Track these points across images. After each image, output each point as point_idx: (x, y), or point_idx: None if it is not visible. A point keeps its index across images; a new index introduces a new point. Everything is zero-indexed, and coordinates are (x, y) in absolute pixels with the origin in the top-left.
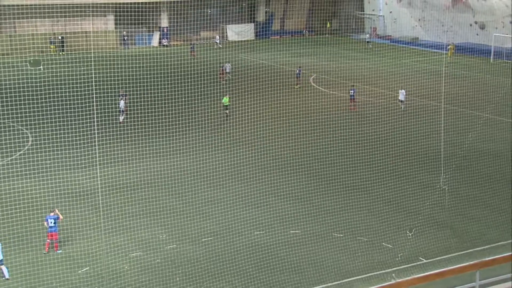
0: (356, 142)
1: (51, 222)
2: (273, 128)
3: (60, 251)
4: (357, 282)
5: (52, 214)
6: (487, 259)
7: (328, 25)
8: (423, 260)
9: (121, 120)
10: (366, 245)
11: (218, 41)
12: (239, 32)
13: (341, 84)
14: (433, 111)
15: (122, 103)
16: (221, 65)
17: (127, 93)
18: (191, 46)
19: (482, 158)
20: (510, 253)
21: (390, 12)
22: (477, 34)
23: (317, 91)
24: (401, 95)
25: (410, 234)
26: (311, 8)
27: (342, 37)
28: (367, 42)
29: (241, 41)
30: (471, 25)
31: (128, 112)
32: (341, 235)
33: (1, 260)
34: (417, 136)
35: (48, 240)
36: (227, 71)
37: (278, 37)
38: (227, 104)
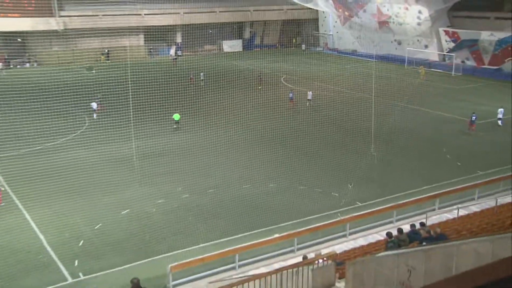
0: (313, 123)
1: None
2: (255, 112)
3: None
4: (314, 219)
5: None
6: (400, 202)
7: (294, 40)
8: (359, 204)
9: (94, 117)
10: (320, 194)
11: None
12: (231, 45)
13: (303, 82)
14: (366, 101)
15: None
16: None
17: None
18: (174, 58)
19: (399, 133)
20: (416, 198)
21: (337, 32)
22: (396, 48)
23: (286, 87)
24: (309, 95)
25: (350, 186)
26: (282, 29)
27: (304, 49)
28: (320, 51)
29: (233, 52)
30: (392, 42)
31: (148, 103)
32: (303, 187)
33: None
34: (355, 119)
35: None
36: (201, 78)
37: (259, 49)
38: (177, 120)
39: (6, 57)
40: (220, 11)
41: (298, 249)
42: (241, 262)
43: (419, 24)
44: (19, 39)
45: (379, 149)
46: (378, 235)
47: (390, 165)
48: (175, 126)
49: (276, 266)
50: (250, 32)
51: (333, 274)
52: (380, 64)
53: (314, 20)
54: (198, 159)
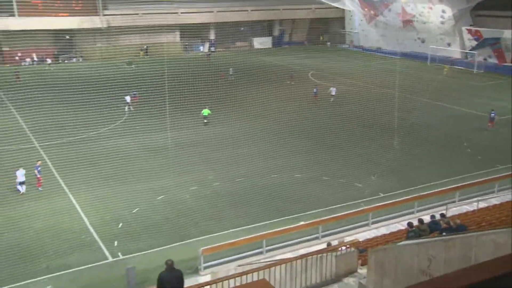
0: (337, 117)
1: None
2: (282, 105)
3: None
4: (338, 208)
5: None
6: (421, 194)
7: (321, 38)
8: (381, 195)
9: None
10: (344, 185)
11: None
12: (261, 42)
13: (329, 77)
14: (389, 96)
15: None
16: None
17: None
18: (208, 53)
19: (421, 128)
20: (437, 190)
21: (362, 30)
22: (419, 46)
23: (313, 82)
24: (333, 91)
25: (373, 178)
26: (310, 27)
27: (329, 46)
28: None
29: (263, 48)
30: (415, 40)
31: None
32: (328, 178)
33: (24, 181)
34: (378, 113)
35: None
36: (231, 73)
37: (288, 46)
38: (206, 115)
39: (56, 52)
40: (251, 10)
41: (323, 236)
42: (268, 247)
43: (442, 23)
44: (67, 36)
45: (401, 143)
46: (399, 224)
47: (412, 158)
48: (205, 121)
49: (302, 251)
50: (280, 29)
51: (355, 261)
52: (404, 61)
53: (340, 18)
54: (229, 150)
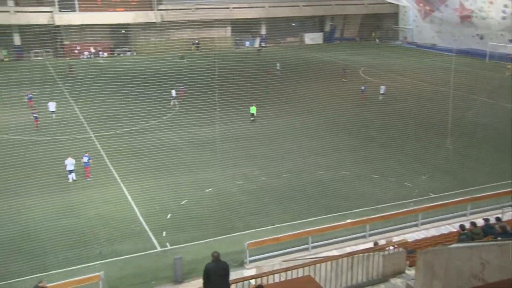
0: (387, 115)
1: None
2: (331, 102)
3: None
4: (386, 207)
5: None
6: (475, 196)
7: (373, 34)
8: (432, 195)
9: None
10: (393, 184)
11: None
12: (312, 38)
13: (381, 74)
14: (443, 94)
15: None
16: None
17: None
18: (258, 48)
19: (477, 127)
20: (492, 193)
21: (417, 26)
22: (478, 42)
23: (364, 79)
24: (382, 89)
25: (424, 178)
26: (362, 23)
27: (378, 42)
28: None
29: (314, 44)
30: (473, 36)
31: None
32: (377, 176)
33: (72, 170)
34: (431, 112)
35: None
36: (277, 68)
37: (339, 42)
38: (253, 112)
39: (112, 46)
40: (303, 5)
41: (370, 235)
42: (314, 244)
43: (504, 18)
44: (122, 31)
45: (455, 142)
46: (450, 226)
47: (466, 158)
48: (252, 119)
49: (348, 249)
50: (331, 25)
51: (403, 261)
52: (460, 58)
53: (394, 14)
54: (275, 145)
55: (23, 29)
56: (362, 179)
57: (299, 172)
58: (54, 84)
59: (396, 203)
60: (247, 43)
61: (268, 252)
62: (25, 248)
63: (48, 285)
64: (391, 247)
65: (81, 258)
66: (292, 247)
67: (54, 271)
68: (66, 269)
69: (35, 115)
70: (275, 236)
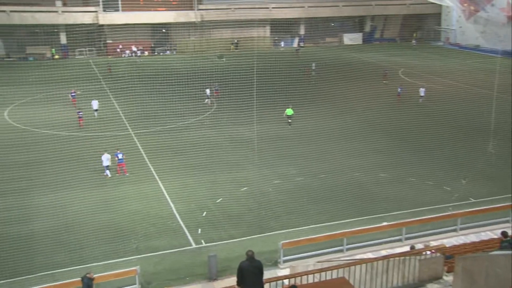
0: (427, 117)
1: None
2: (368, 103)
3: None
4: (424, 211)
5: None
6: None
7: (415, 35)
8: (472, 200)
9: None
10: (432, 187)
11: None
12: (351, 38)
13: (422, 76)
14: (487, 97)
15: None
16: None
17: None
18: (297, 48)
19: None
20: None
21: (460, 26)
22: None
23: (403, 81)
24: (421, 92)
25: (464, 182)
26: (402, 23)
27: (424, 43)
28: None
29: (353, 44)
30: None
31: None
32: (415, 179)
33: (108, 166)
34: (473, 115)
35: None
36: (313, 68)
37: (378, 42)
38: (290, 114)
39: (153, 45)
40: (343, 5)
41: (406, 238)
42: (349, 246)
43: None
44: (163, 30)
45: (498, 147)
46: (491, 233)
47: (508, 163)
48: (289, 121)
49: (383, 253)
50: (371, 25)
51: (441, 267)
52: (506, 60)
53: (436, 14)
54: (312, 145)
55: (69, 28)
56: (399, 181)
57: (335, 173)
58: (96, 82)
59: (434, 207)
60: (282, 43)
61: (302, 253)
62: (65, 240)
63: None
64: (428, 252)
65: (118, 252)
66: (327, 248)
67: (93, 264)
68: (104, 262)
69: (80, 114)
70: (310, 237)
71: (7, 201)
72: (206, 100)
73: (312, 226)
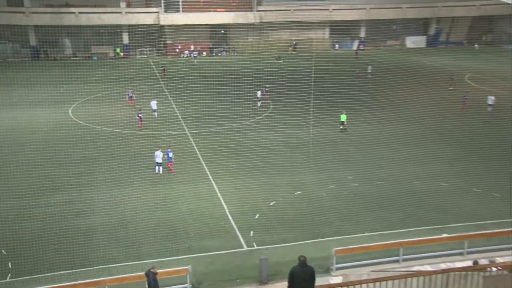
0: (496, 125)
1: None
2: (429, 109)
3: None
4: (488, 225)
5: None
6: None
7: (484, 37)
8: None
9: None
10: (498, 199)
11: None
12: (414, 41)
13: (491, 81)
14: None
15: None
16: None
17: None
18: (356, 51)
19: None
20: None
21: None
22: None
23: (470, 87)
24: (490, 100)
25: None
26: (471, 25)
27: (494, 47)
28: None
29: (416, 48)
30: None
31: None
32: (479, 190)
33: (160, 163)
34: None
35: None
36: (369, 71)
37: (444, 46)
38: (344, 120)
39: (211, 46)
40: (407, 7)
41: (468, 252)
42: (405, 256)
43: None
44: (222, 31)
45: None
46: None
47: None
48: (341, 127)
49: (443, 266)
50: (436, 28)
51: (508, 285)
52: None
53: (508, 16)
54: (370, 151)
55: (131, 28)
56: (462, 192)
57: (393, 181)
58: (155, 82)
59: (500, 220)
60: (337, 46)
61: (356, 261)
62: (122, 236)
63: (142, 273)
64: (494, 268)
65: (171, 251)
66: (382, 258)
67: (147, 261)
68: (157, 259)
69: (139, 115)
70: (364, 245)
71: (69, 195)
72: (258, 102)
73: (367, 234)
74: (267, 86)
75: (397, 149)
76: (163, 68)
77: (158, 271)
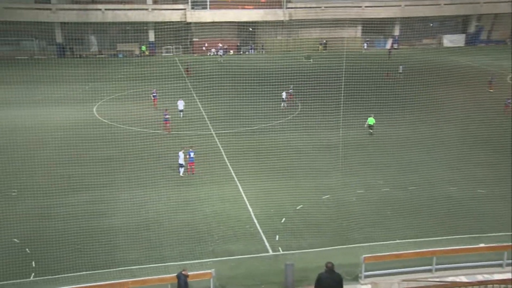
0: None
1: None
2: (465, 112)
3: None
4: None
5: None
6: None
7: None
8: None
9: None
10: None
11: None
12: (452, 40)
13: None
14: None
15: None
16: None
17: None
18: (390, 50)
19: None
20: None
21: None
22: None
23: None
24: None
25: None
26: None
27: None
28: None
29: (453, 46)
30: None
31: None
32: None
33: (182, 164)
34: None
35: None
36: (400, 71)
37: (484, 44)
38: (372, 124)
39: (239, 44)
40: (445, 4)
41: (508, 264)
42: (438, 266)
43: None
44: (250, 28)
45: None
46: None
47: None
48: (371, 131)
49: (479, 277)
50: (476, 26)
51: None
52: None
53: None
54: (402, 155)
55: (157, 26)
56: (502, 199)
57: (427, 186)
58: (181, 80)
59: None
60: (365, 45)
61: (386, 269)
62: (144, 237)
63: (165, 276)
64: None
65: (195, 254)
66: (414, 266)
67: (169, 263)
68: (180, 262)
69: (167, 116)
70: (395, 252)
71: (92, 195)
72: (282, 103)
73: (397, 241)
74: (292, 87)
75: (431, 152)
76: (186, 68)
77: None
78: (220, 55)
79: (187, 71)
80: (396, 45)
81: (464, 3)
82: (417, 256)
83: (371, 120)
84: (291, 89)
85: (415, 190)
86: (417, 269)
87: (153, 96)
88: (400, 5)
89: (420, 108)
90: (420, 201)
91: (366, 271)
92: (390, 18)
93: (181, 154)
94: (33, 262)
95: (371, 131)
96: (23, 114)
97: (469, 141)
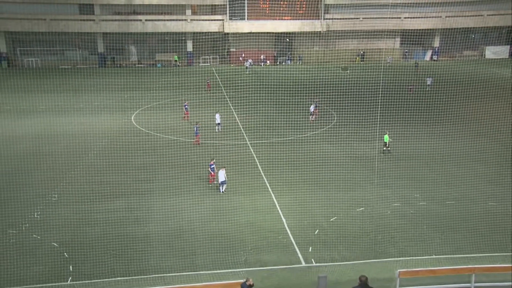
0: None
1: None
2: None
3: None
4: None
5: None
6: None
7: None
8: None
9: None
10: None
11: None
12: (495, 52)
13: None
14: None
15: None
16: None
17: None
18: (416, 64)
19: None
20: None
21: None
22: None
23: None
24: None
25: None
26: None
27: None
28: None
29: (496, 58)
30: None
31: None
32: None
33: (224, 181)
34: None
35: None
36: (428, 83)
37: None
38: (387, 141)
39: (275, 54)
40: (488, 15)
41: None
42: (478, 284)
43: None
44: (287, 39)
45: None
46: None
47: None
48: (384, 149)
49: None
50: None
51: None
52: None
53: None
54: (439, 168)
55: (196, 36)
56: None
57: (466, 200)
58: (218, 91)
59: None
60: (389, 60)
61: (421, 285)
62: (178, 245)
63: (198, 284)
64: None
65: (227, 263)
66: (451, 283)
67: (202, 272)
68: (212, 271)
69: (197, 128)
70: (431, 268)
71: (128, 202)
72: (310, 116)
73: (434, 256)
74: (317, 101)
75: (470, 166)
76: (207, 82)
77: (210, 283)
78: (247, 66)
79: (209, 85)
80: (436, 56)
81: (509, 14)
82: (454, 273)
83: (386, 138)
84: (317, 103)
85: (453, 204)
86: (454, 286)
87: (185, 108)
88: (440, 16)
89: (459, 121)
90: (459, 216)
91: (400, 286)
92: (430, 29)
93: (220, 172)
94: (71, 266)
95: (386, 148)
96: (66, 121)
97: (510, 156)
